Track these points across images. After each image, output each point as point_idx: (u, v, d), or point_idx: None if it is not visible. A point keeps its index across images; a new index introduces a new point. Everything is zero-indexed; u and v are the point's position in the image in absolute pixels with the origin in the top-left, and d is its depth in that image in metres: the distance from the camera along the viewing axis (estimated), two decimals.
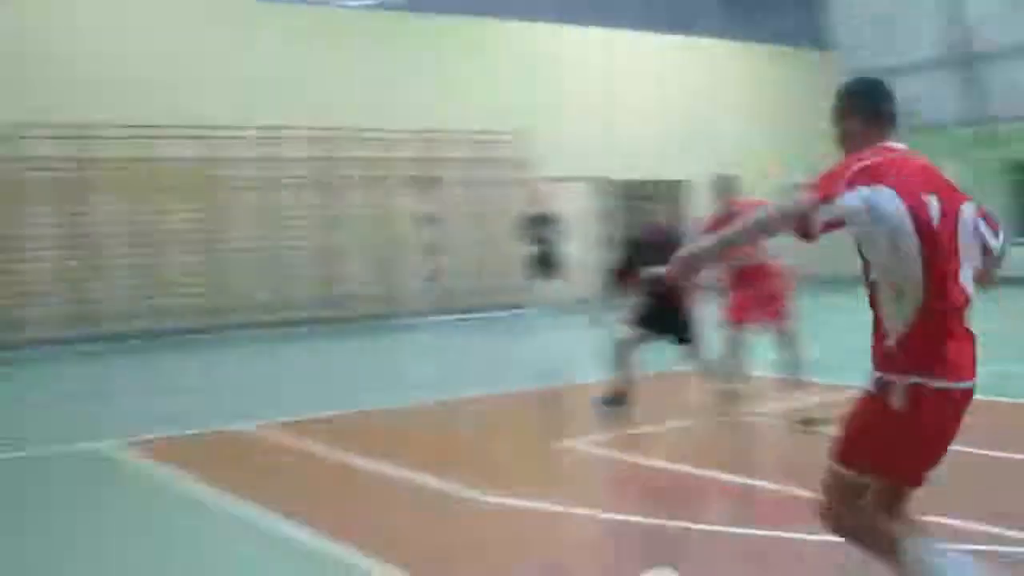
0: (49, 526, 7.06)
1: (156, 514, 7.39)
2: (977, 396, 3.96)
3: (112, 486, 8.30)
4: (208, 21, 19.59)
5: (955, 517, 5.93)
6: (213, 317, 19.22)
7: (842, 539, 4.20)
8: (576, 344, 15.43)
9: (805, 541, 5.83)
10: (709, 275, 7.57)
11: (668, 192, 24.99)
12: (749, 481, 7.67)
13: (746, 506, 7.23)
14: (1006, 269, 4.40)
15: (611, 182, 22.24)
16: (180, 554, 6.44)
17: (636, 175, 23.47)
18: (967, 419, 3.94)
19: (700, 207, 25.30)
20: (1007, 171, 26.58)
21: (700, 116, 25.14)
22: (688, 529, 6.42)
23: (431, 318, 19.78)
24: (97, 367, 16.20)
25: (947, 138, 26.76)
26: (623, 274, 9.84)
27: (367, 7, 21.80)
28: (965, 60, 26.18)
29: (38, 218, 17.80)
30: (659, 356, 10.09)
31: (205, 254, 19.29)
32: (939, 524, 6.08)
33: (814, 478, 4.29)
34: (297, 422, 10.35)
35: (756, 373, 10.06)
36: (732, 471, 7.85)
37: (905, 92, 21.36)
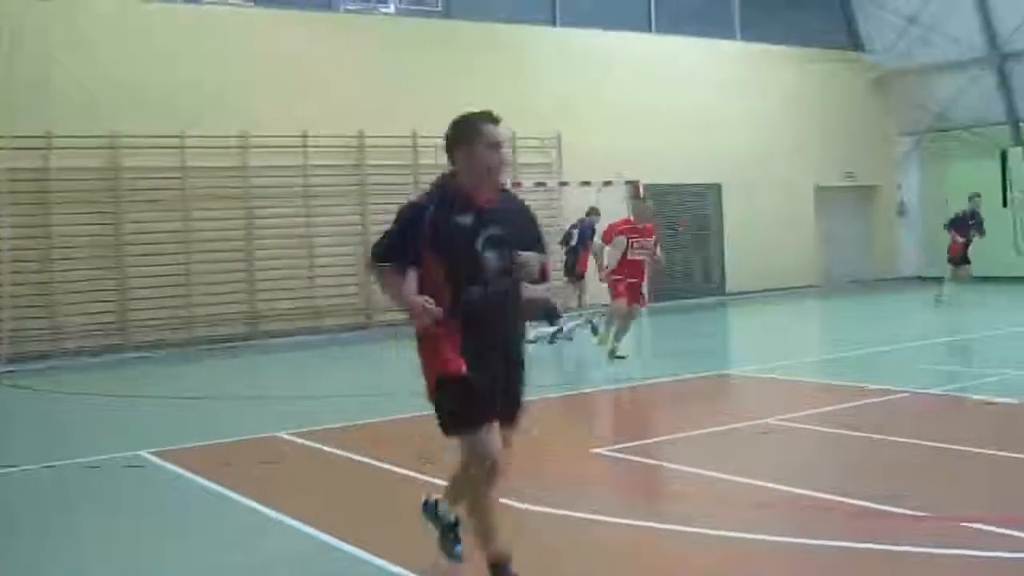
0: (92, 529, 7.10)
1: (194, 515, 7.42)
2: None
3: (147, 492, 8.33)
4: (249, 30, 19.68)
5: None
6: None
7: None
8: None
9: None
10: None
11: (698, 195, 25.16)
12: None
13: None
14: None
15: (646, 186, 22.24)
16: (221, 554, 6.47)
17: (667, 179, 23.49)
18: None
19: (731, 208, 25.66)
20: None
21: (731, 119, 25.04)
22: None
23: None
24: (133, 376, 16.27)
25: (980, 137, 26.74)
26: None
27: (400, 12, 21.86)
28: (998, 60, 26.04)
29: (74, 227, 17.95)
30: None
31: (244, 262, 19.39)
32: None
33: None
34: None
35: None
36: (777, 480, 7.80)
37: (938, 92, 21.69)
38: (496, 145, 5.20)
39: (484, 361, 5.13)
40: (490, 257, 5.18)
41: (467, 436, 5.19)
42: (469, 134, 5.22)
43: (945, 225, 21.10)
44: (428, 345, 5.24)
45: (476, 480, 5.27)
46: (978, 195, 20.97)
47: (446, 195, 5.26)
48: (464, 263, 5.16)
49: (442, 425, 5.29)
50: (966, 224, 20.62)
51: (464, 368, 5.10)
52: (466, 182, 5.24)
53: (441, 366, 5.17)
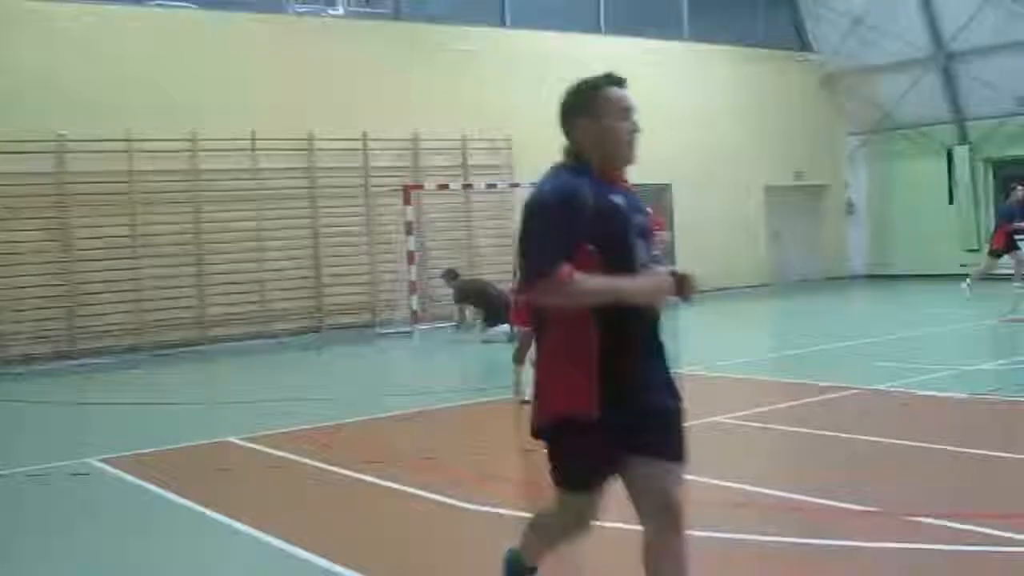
0: (38, 542, 7.01)
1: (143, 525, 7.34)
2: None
3: (94, 500, 8.23)
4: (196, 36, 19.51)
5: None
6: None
7: None
8: None
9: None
10: None
11: (648, 195, 25.27)
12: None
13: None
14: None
15: None
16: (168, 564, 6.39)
17: None
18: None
19: (681, 208, 25.74)
20: (986, 169, 26.85)
21: (681, 120, 25.13)
22: None
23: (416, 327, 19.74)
24: (81, 383, 16.09)
25: (926, 136, 27.04)
26: None
27: (349, 15, 21.77)
28: (943, 59, 26.33)
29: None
30: None
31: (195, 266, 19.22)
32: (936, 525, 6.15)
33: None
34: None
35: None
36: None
37: (885, 92, 21.80)
38: (627, 111, 4.27)
39: (632, 390, 4.05)
40: (642, 252, 4.16)
41: (572, 496, 4.26)
42: (593, 101, 4.25)
43: (1006, 218, 20.62)
44: (555, 363, 4.11)
45: (560, 534, 4.47)
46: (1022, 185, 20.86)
47: (587, 172, 4.15)
48: (619, 257, 4.06)
49: (553, 471, 4.23)
50: (1012, 215, 20.74)
51: (598, 409, 3.97)
52: (593, 161, 4.20)
53: (569, 403, 4.03)
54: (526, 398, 10.23)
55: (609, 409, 3.97)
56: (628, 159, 4.28)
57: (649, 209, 4.37)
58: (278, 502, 7.88)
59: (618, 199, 4.11)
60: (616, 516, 6.67)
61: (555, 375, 4.08)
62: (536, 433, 4.19)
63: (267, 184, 19.97)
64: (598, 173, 4.15)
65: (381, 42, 21.47)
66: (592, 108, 4.21)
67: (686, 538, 4.22)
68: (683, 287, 4.25)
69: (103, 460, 9.34)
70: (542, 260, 3.97)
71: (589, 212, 3.99)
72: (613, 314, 3.99)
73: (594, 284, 3.94)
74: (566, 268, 3.91)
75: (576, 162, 4.19)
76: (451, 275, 19.64)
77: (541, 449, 4.23)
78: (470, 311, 19.10)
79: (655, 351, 4.22)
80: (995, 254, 20.30)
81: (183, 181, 19.12)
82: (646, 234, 4.20)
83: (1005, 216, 20.45)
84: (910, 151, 27.70)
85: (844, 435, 9.14)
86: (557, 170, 4.20)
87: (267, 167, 19.93)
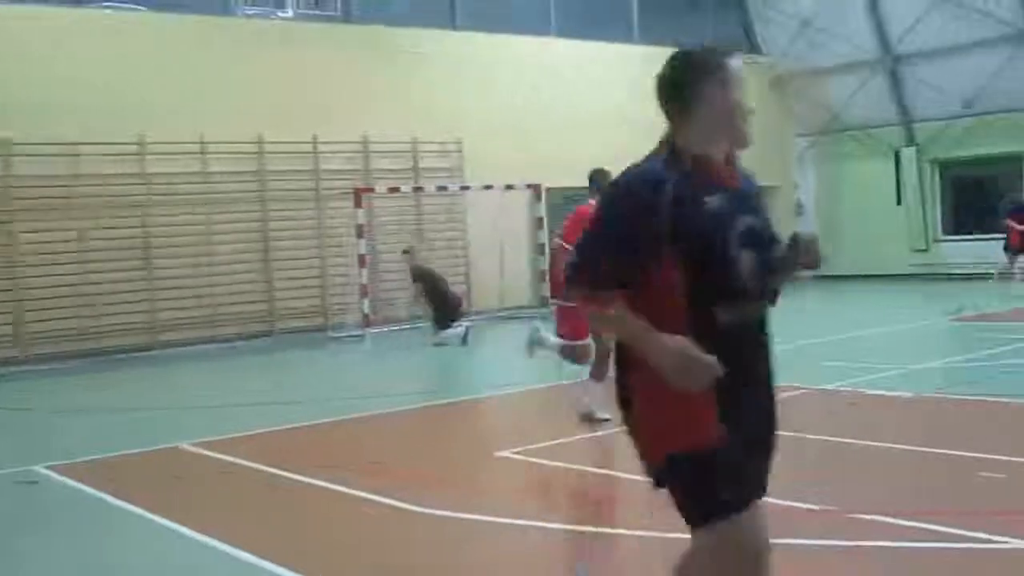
0: None
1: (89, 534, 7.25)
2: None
3: (42, 507, 8.12)
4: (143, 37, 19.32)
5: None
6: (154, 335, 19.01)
7: None
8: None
9: None
10: None
11: None
12: None
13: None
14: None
15: (548, 190, 22.38)
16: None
17: (570, 183, 23.54)
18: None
19: None
20: (933, 170, 27.14)
21: (632, 122, 25.10)
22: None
23: (365, 331, 19.67)
24: (27, 389, 15.90)
25: (874, 138, 27.29)
26: None
27: (298, 17, 21.69)
28: (890, 62, 26.60)
29: None
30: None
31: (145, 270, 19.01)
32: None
33: None
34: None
35: None
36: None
37: (833, 94, 21.99)
38: (741, 85, 3.50)
39: (745, 416, 3.39)
40: (745, 261, 3.42)
41: (721, 524, 3.38)
42: (709, 68, 3.47)
43: (1003, 216, 21.67)
44: (655, 393, 3.37)
45: None
46: None
47: (682, 163, 3.42)
48: (714, 269, 3.36)
49: (685, 506, 3.47)
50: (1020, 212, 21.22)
51: (722, 436, 3.33)
52: (700, 144, 3.46)
53: (693, 436, 3.35)
54: (603, 416, 9.48)
55: (733, 439, 3.35)
56: (748, 141, 3.54)
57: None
58: (227, 507, 7.84)
59: (715, 199, 3.39)
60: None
61: (663, 406, 3.38)
62: (657, 482, 3.51)
63: (217, 188, 19.82)
64: (708, 160, 3.47)
65: (331, 45, 21.37)
66: (724, 75, 3.46)
67: None
68: (807, 253, 3.53)
69: (50, 467, 9.23)
70: (594, 272, 3.40)
71: (673, 211, 3.30)
72: (717, 350, 3.25)
73: (621, 320, 3.37)
74: (611, 298, 3.36)
75: (670, 153, 3.47)
76: (411, 254, 19.44)
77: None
78: (420, 292, 18.89)
79: (770, 393, 3.58)
80: (1013, 250, 21.21)
81: (131, 184, 18.91)
82: (760, 240, 3.48)
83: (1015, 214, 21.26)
84: (858, 152, 27.97)
85: (794, 434, 9.16)
86: (648, 157, 3.53)
87: (217, 170, 19.78)
